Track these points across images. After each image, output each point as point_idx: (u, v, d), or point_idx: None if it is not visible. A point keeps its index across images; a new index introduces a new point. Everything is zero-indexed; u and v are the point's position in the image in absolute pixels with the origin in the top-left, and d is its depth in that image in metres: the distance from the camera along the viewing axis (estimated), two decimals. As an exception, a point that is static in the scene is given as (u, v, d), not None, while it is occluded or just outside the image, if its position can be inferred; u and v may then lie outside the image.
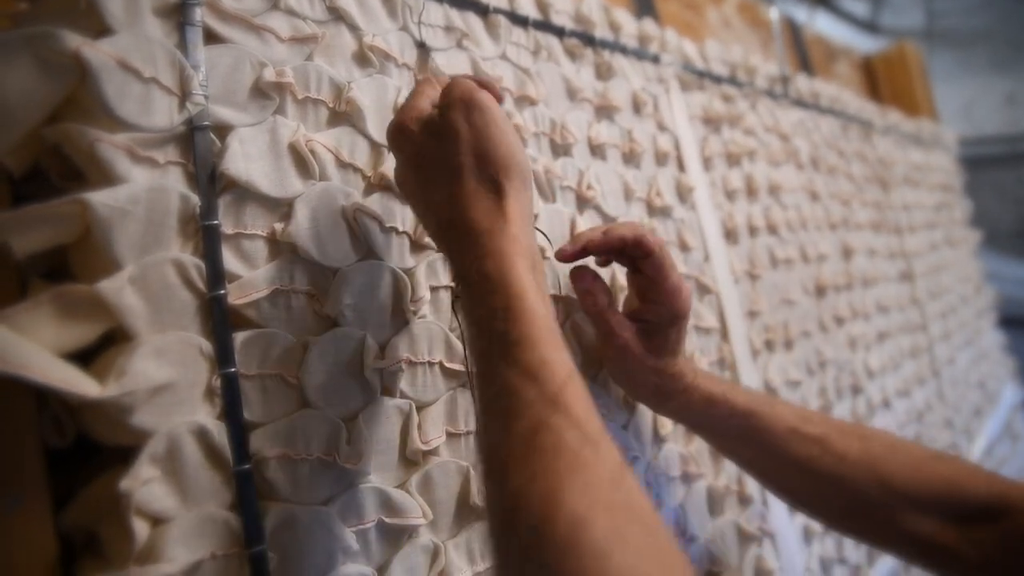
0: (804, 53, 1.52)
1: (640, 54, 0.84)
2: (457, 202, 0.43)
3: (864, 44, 2.44)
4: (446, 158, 0.43)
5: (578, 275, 0.58)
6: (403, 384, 0.49)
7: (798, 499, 0.63)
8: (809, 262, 1.06)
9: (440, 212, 0.44)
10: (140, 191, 0.39)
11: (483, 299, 0.39)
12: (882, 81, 1.94)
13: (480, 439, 0.46)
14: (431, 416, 0.50)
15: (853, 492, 0.57)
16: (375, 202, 0.50)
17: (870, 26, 3.19)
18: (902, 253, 1.41)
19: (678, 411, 0.62)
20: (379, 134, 0.52)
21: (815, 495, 0.60)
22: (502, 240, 0.41)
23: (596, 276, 0.58)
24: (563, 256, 0.56)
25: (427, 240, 0.53)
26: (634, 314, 0.59)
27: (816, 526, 0.89)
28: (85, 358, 0.38)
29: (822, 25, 2.10)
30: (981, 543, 0.53)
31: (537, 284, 0.40)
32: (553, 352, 0.37)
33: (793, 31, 1.52)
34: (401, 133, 0.45)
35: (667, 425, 0.70)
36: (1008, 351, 1.91)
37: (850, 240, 1.20)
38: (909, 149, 1.63)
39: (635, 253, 0.57)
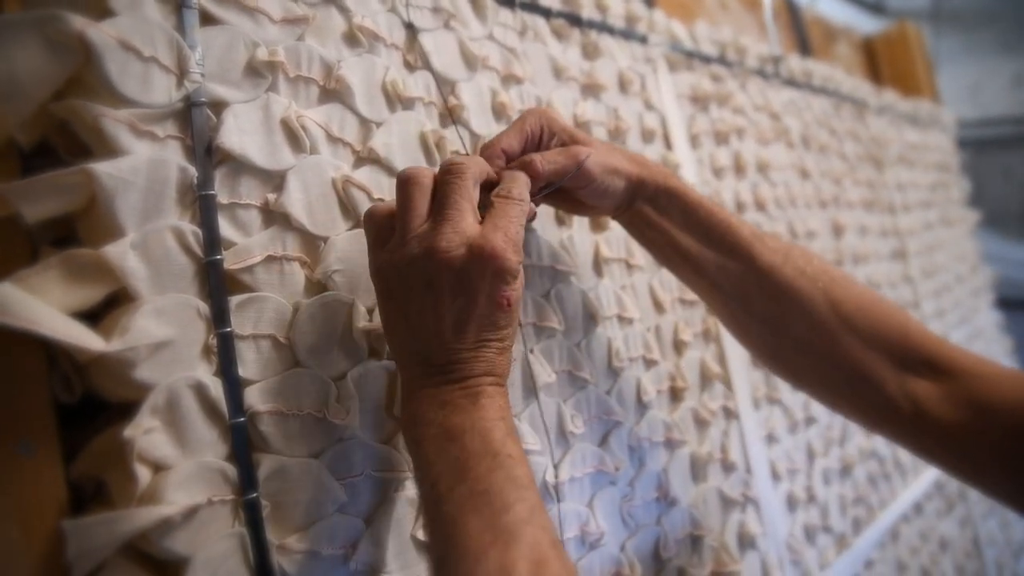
0: (803, 34, 1.53)
1: (628, 34, 0.86)
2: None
3: (870, 25, 2.44)
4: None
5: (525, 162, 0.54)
6: (390, 347, 0.52)
7: (754, 319, 0.61)
8: (798, 238, 1.08)
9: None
10: (141, 163, 0.42)
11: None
12: (883, 62, 1.95)
13: None
14: (417, 377, 0.53)
15: (809, 314, 0.57)
16: (364, 174, 0.54)
17: (876, 7, 3.19)
18: (895, 232, 1.43)
19: (647, 199, 0.60)
20: (368, 110, 0.55)
21: (773, 314, 0.59)
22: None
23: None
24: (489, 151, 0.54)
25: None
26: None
27: (800, 493, 0.92)
28: (92, 320, 0.41)
29: (828, 6, 2.10)
30: (919, 398, 0.53)
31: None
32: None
33: (792, 12, 1.53)
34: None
35: (650, 392, 0.73)
36: (1006, 331, 1.93)
37: (841, 218, 1.22)
38: (905, 129, 1.65)
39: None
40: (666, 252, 0.63)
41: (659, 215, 0.61)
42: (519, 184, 0.49)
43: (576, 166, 0.54)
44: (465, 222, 0.44)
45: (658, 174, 0.60)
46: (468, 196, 0.46)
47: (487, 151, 0.54)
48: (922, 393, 0.53)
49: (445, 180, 0.46)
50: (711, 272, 0.61)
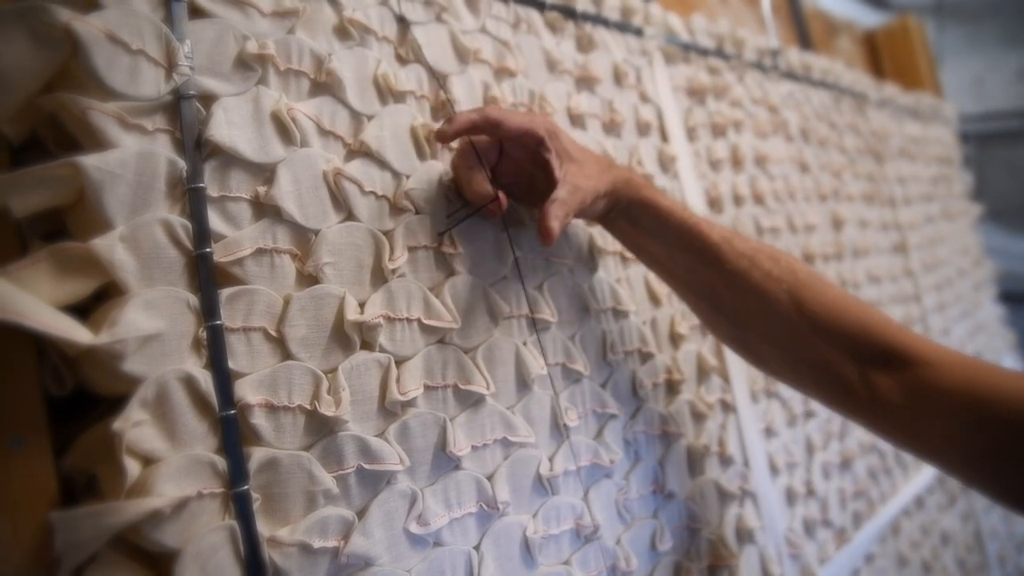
0: (803, 28, 1.53)
1: (623, 27, 0.86)
2: None
3: (873, 19, 2.43)
4: None
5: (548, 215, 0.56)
6: (382, 339, 0.52)
7: (722, 314, 0.64)
8: (796, 232, 1.08)
9: None
10: (130, 156, 0.42)
11: None
12: (885, 55, 1.94)
13: None
14: (409, 370, 0.53)
15: (774, 312, 0.60)
16: (355, 167, 0.53)
17: (880, 1, 3.17)
18: (896, 225, 1.43)
19: (621, 212, 0.64)
20: (359, 103, 0.55)
21: (740, 310, 0.63)
22: None
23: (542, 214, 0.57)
24: (442, 136, 0.55)
25: (404, 203, 0.56)
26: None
27: (799, 487, 0.92)
28: (82, 314, 0.41)
29: (834, 1, 2.09)
30: (876, 387, 0.56)
31: None
32: None
33: (792, 5, 1.53)
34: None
35: (646, 384, 0.73)
36: (1009, 325, 1.92)
37: (841, 211, 1.21)
38: (906, 122, 1.64)
39: (487, 129, 0.56)
40: (641, 255, 0.68)
41: (631, 225, 0.65)
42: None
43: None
44: None
45: (630, 188, 0.63)
46: None
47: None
48: (879, 383, 0.56)
49: None
50: (680, 274, 0.66)
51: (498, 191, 0.56)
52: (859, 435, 1.11)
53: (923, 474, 1.24)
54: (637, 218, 0.64)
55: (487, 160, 0.58)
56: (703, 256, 0.62)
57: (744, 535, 0.80)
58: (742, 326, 0.63)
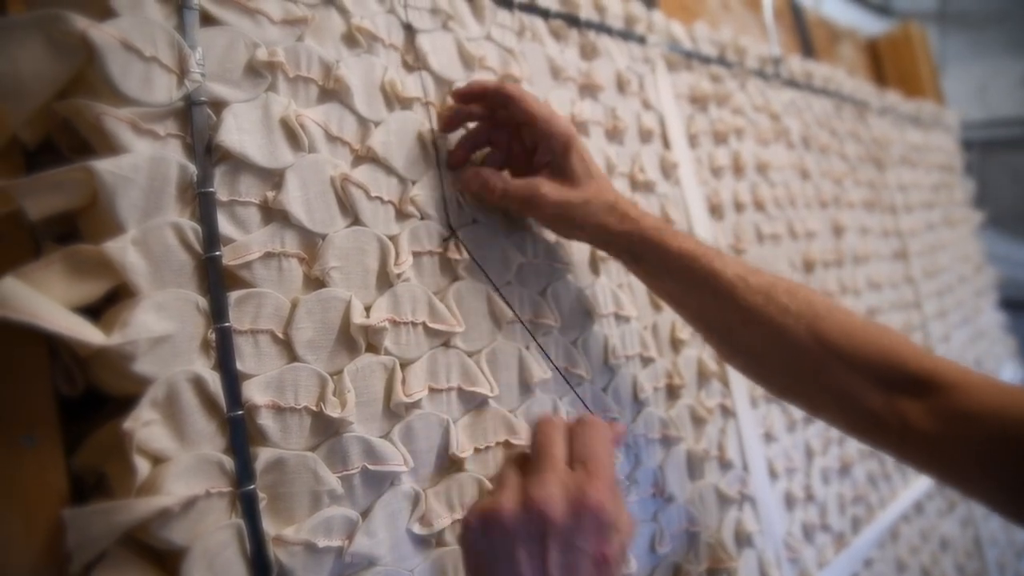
0: (806, 35, 1.54)
1: (626, 35, 0.87)
2: None
3: (876, 26, 2.44)
4: None
5: (469, 177, 0.60)
6: (387, 342, 0.53)
7: (738, 350, 0.64)
8: (797, 239, 1.08)
9: None
10: (142, 160, 0.42)
11: None
12: (887, 63, 1.95)
13: None
14: (414, 372, 0.54)
15: (792, 345, 0.58)
16: (362, 173, 0.54)
17: (882, 8, 3.18)
18: (896, 232, 1.43)
19: (622, 250, 0.63)
20: (366, 109, 0.56)
21: (757, 346, 0.61)
22: None
23: (478, 168, 0.61)
24: (454, 160, 0.61)
25: (410, 208, 0.57)
26: (533, 165, 0.62)
27: (798, 492, 0.93)
28: (93, 315, 0.42)
29: (833, 7, 2.10)
30: (904, 414, 0.54)
31: None
32: None
33: (795, 13, 1.54)
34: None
35: (646, 389, 0.73)
36: (1010, 332, 1.93)
37: (841, 218, 1.22)
38: (907, 129, 1.65)
39: (498, 101, 0.60)
40: (653, 291, 0.68)
41: (635, 264, 0.64)
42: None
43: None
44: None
45: (634, 229, 0.62)
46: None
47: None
48: (908, 410, 0.55)
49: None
50: (693, 309, 0.65)
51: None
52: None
53: (922, 480, 1.24)
54: (640, 255, 0.62)
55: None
56: (717, 295, 0.60)
57: (743, 539, 0.80)
58: (760, 361, 0.63)
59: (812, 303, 0.60)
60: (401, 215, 0.57)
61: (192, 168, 0.45)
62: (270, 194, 0.49)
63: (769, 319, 0.59)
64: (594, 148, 0.76)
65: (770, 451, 0.90)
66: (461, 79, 0.64)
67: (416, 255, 0.56)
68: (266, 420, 0.46)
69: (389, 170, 0.56)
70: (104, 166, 0.41)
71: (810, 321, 0.58)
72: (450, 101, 0.62)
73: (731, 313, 0.60)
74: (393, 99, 0.59)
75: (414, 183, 0.58)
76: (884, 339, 0.58)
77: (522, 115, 0.59)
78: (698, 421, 0.80)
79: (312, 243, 0.51)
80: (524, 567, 0.44)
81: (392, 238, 0.55)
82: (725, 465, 0.82)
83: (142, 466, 0.40)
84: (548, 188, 0.59)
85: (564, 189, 0.60)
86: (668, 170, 0.86)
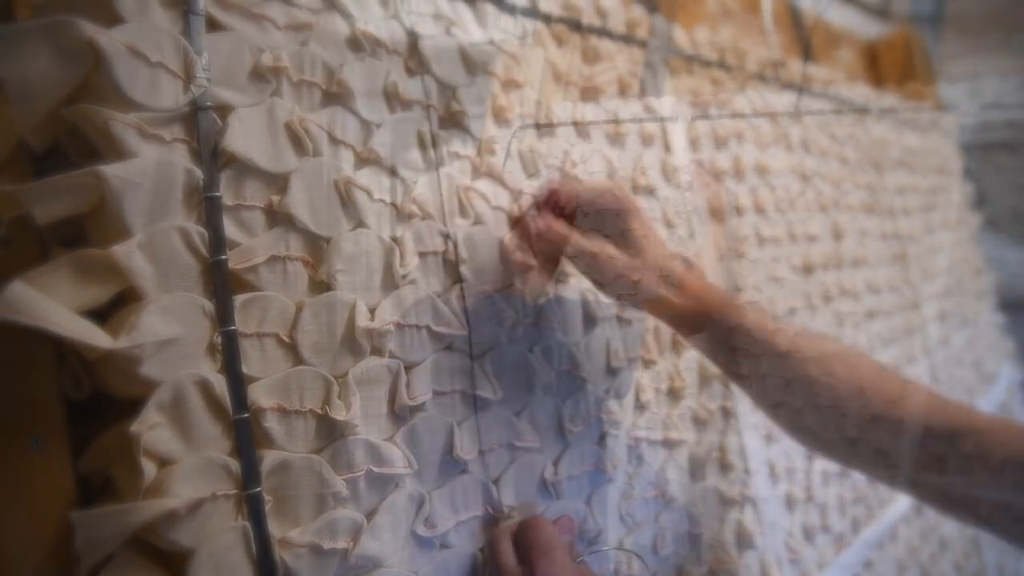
0: (806, 37, 1.54)
1: (627, 39, 0.87)
2: None
3: (874, 30, 2.44)
4: None
5: (542, 228, 0.61)
6: (392, 345, 0.53)
7: (783, 414, 0.62)
8: (797, 242, 1.09)
9: None
10: (149, 165, 0.43)
11: None
12: (885, 66, 1.95)
13: None
14: (418, 375, 0.54)
15: (840, 410, 0.58)
16: (365, 175, 0.55)
17: (881, 11, 3.19)
18: (895, 235, 1.44)
19: (679, 321, 0.62)
20: (369, 113, 0.56)
21: (809, 416, 0.60)
22: None
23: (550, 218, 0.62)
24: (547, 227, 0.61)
25: (412, 208, 0.57)
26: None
27: (799, 493, 0.93)
28: (100, 319, 0.42)
29: (832, 10, 2.10)
30: (938, 463, 0.54)
31: None
32: None
33: (794, 16, 1.54)
34: None
35: (648, 391, 0.74)
36: (1008, 334, 1.93)
37: (841, 221, 1.22)
38: (905, 132, 1.65)
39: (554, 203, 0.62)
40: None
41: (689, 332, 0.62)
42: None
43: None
44: None
45: (699, 304, 0.61)
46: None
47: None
48: (943, 459, 0.55)
49: None
50: (741, 377, 0.62)
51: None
52: (858, 443, 1.11)
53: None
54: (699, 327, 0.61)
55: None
56: (772, 364, 0.59)
57: (744, 540, 0.81)
58: (808, 431, 0.61)
59: (863, 375, 0.59)
60: (403, 216, 0.57)
61: (198, 172, 0.45)
62: (275, 198, 0.49)
63: (820, 384, 0.58)
64: (596, 152, 0.76)
65: (771, 453, 0.91)
66: (464, 84, 0.64)
67: (421, 256, 0.57)
68: (271, 423, 0.46)
69: (391, 172, 0.57)
70: (111, 171, 0.41)
71: (858, 388, 0.58)
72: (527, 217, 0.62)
73: (787, 385, 0.60)
74: (395, 102, 0.59)
75: (415, 183, 0.58)
76: (924, 403, 0.58)
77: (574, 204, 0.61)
78: (700, 423, 0.80)
79: (317, 246, 0.51)
80: None
81: (395, 240, 0.55)
82: (726, 467, 0.83)
83: (149, 469, 0.40)
84: (612, 251, 0.59)
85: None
86: (669, 174, 0.86)
